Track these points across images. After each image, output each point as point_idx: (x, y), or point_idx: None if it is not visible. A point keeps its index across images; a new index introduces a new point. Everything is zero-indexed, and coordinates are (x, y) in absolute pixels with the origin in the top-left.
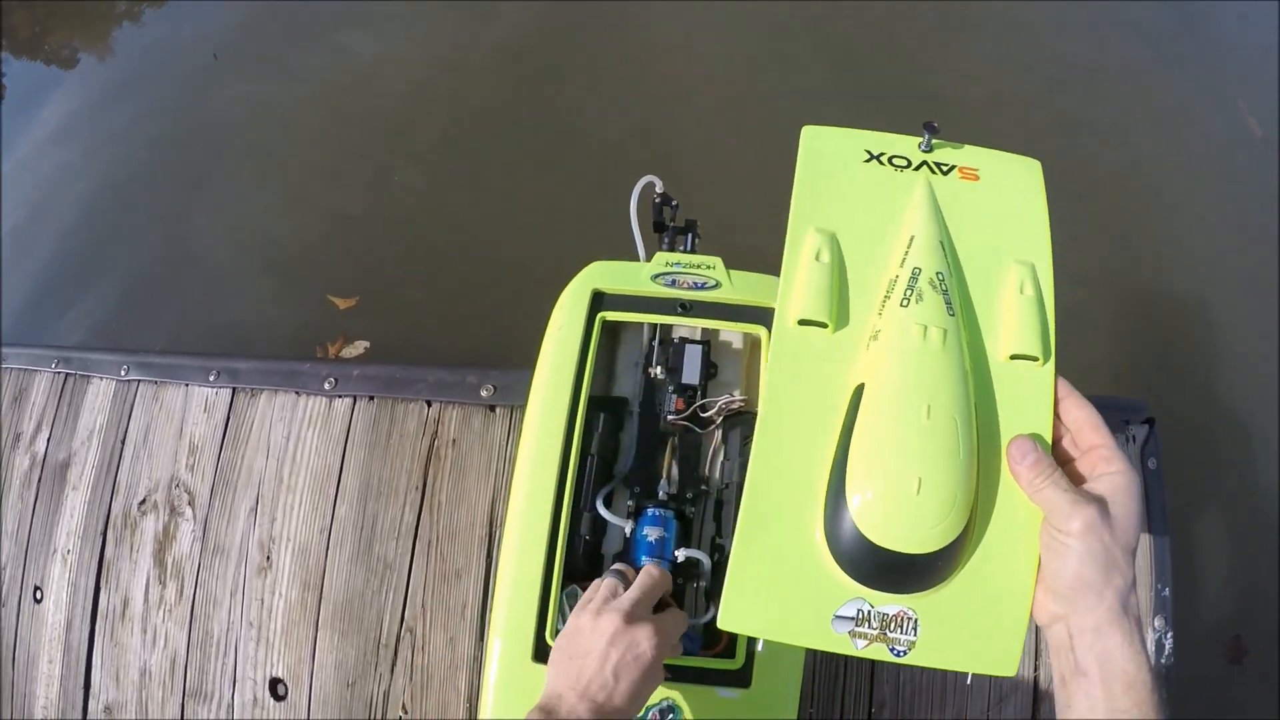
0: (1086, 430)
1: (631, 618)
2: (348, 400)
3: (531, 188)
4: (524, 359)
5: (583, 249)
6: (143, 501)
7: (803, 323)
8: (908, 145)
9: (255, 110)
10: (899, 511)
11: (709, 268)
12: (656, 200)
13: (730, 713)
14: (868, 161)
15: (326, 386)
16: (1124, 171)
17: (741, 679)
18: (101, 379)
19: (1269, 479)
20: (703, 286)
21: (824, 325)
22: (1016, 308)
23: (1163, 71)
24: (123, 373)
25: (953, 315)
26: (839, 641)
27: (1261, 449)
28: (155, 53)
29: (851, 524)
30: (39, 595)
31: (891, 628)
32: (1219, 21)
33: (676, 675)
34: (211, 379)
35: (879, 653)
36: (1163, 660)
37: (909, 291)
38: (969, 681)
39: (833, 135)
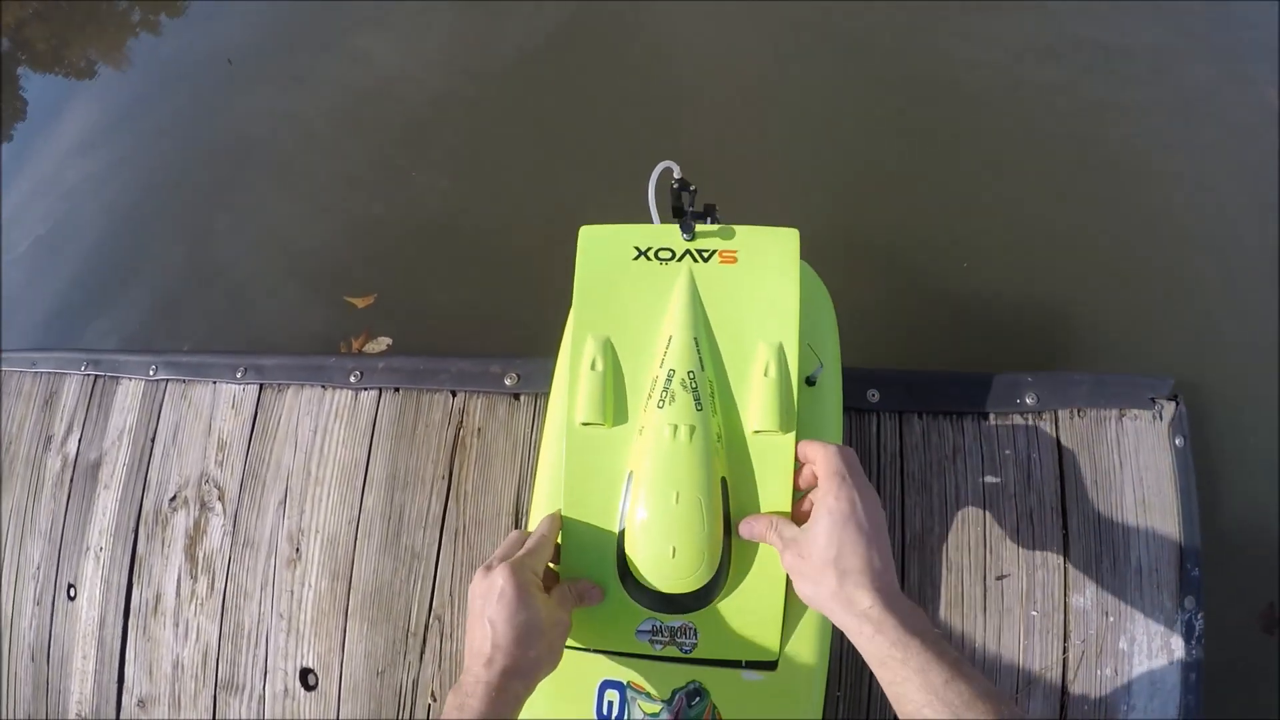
0: (819, 470)
1: (488, 568)
2: (373, 393)
3: (550, 186)
4: (546, 348)
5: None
6: (173, 498)
7: (585, 424)
8: (673, 236)
9: (275, 118)
10: (662, 570)
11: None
12: (674, 186)
13: (757, 694)
14: (636, 259)
15: (352, 380)
16: (1147, 153)
17: (768, 661)
18: (130, 379)
19: None
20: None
21: (601, 424)
22: (760, 389)
23: (1185, 53)
24: (151, 373)
25: (700, 410)
26: (642, 646)
27: None
28: (174, 62)
29: (635, 576)
30: (72, 593)
31: (678, 635)
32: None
33: (705, 659)
34: (239, 376)
35: (672, 651)
36: (1193, 642)
37: (664, 394)
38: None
39: (606, 235)
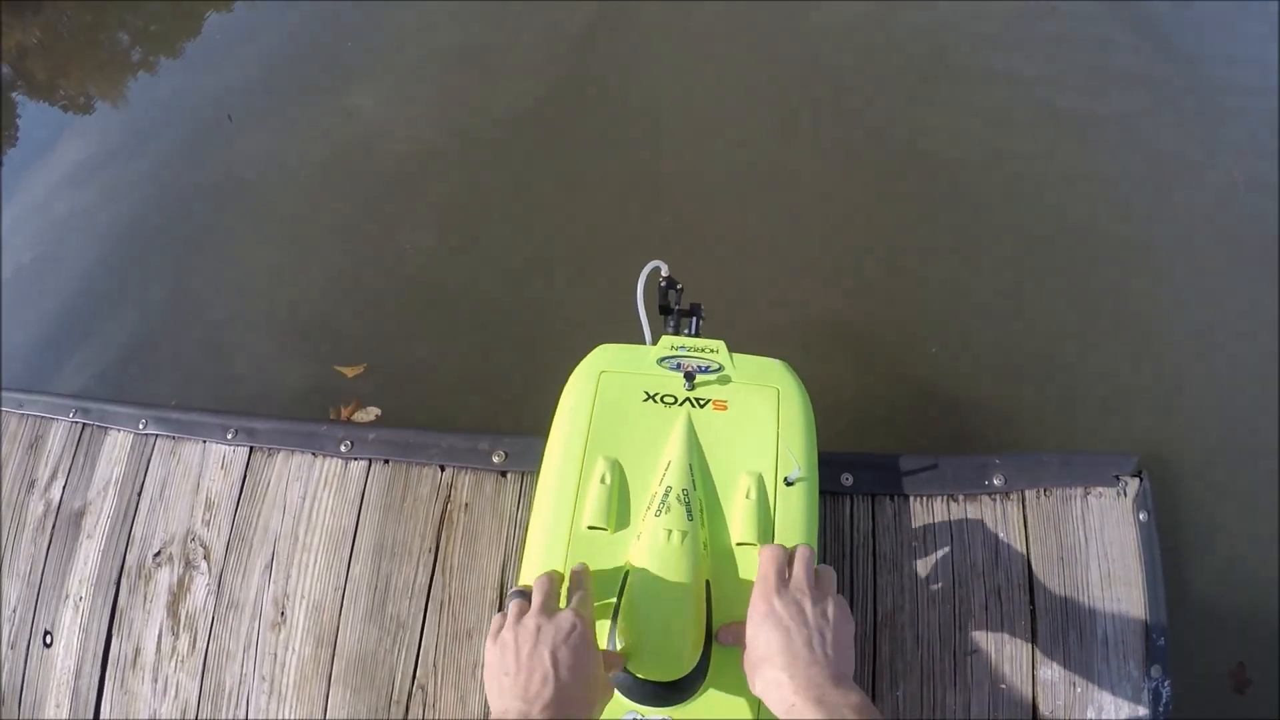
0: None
1: (546, 610)
2: (363, 463)
3: (536, 253)
4: (533, 425)
5: (589, 317)
6: (158, 554)
7: (591, 527)
8: (675, 384)
9: (264, 166)
10: (649, 655)
11: (713, 351)
12: (662, 284)
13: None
14: (645, 401)
15: (343, 449)
16: (1119, 220)
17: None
18: (120, 431)
19: (1269, 504)
20: (706, 370)
21: (605, 529)
22: (743, 509)
23: (1155, 119)
24: (141, 426)
25: (691, 520)
26: None
27: (1261, 480)
28: (170, 104)
29: (624, 672)
30: (49, 640)
31: None
32: (1209, 65)
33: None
34: (229, 437)
35: None
36: (1160, 708)
37: (662, 504)
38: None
39: (620, 379)
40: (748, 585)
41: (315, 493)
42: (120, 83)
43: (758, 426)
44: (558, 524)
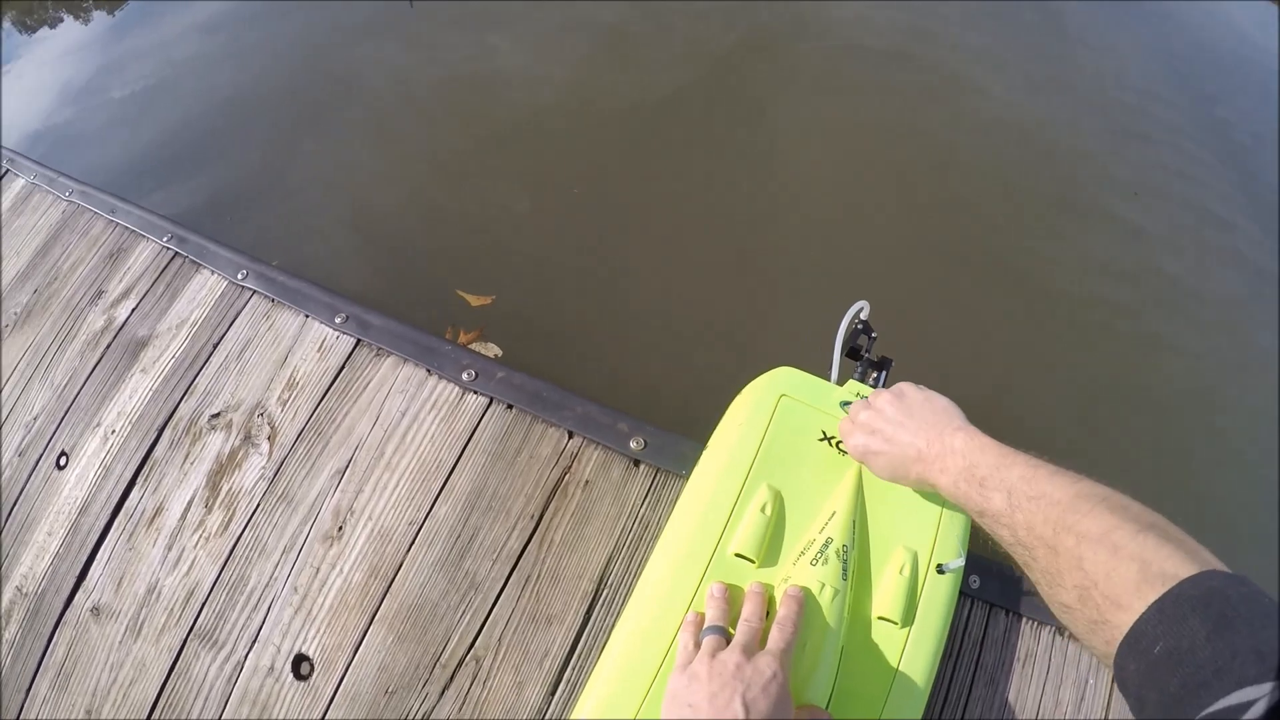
0: None
1: (747, 650)
2: (483, 400)
3: (641, 237)
4: (671, 421)
5: (720, 318)
6: (216, 415)
7: (738, 555)
8: None
9: (390, 78)
10: None
11: None
12: (858, 326)
13: None
14: (820, 441)
15: (464, 377)
16: (1189, 396)
17: None
18: (214, 273)
19: None
20: None
21: (752, 561)
22: (893, 583)
23: (1252, 311)
24: (239, 276)
25: (845, 579)
26: None
27: None
28: None
29: None
30: (63, 462)
31: None
32: None
33: None
34: (337, 321)
35: None
36: None
37: (820, 555)
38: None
39: (800, 410)
40: (876, 663)
41: (419, 413)
42: None
43: (922, 503)
44: (702, 539)
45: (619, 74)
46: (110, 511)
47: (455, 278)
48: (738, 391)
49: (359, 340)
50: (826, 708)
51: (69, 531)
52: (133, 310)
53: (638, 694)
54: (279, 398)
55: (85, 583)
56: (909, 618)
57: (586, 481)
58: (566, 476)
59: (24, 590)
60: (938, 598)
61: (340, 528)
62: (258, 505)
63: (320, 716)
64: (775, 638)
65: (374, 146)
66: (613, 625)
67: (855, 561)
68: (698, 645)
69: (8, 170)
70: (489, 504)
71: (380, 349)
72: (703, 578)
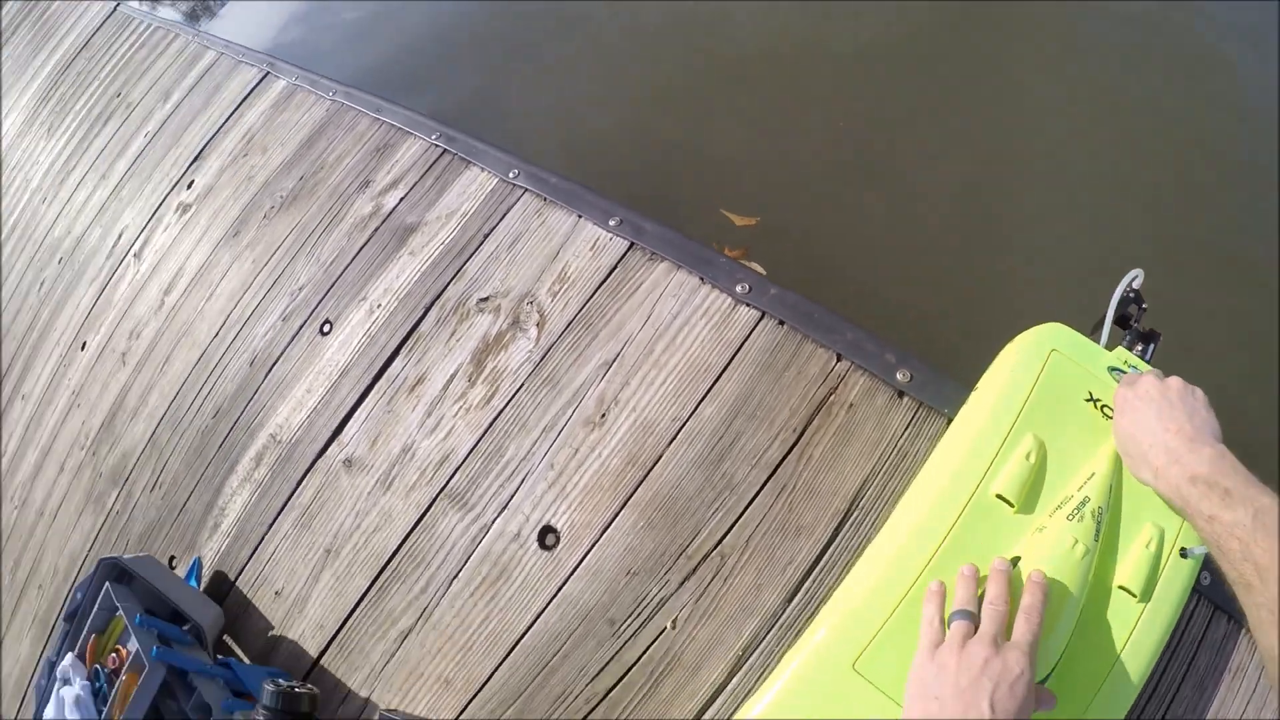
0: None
1: (996, 642)
2: (755, 313)
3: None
4: (937, 357)
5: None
6: (485, 299)
7: (999, 496)
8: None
9: (615, 10)
10: None
11: None
12: (1130, 294)
13: None
14: (1087, 401)
15: (738, 290)
16: None
17: None
18: (484, 171)
19: None
20: None
21: (1011, 505)
22: (1139, 555)
23: None
24: (511, 175)
25: (1096, 541)
26: None
27: None
28: None
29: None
30: (327, 329)
31: None
32: None
33: None
34: (611, 224)
35: None
36: None
37: (1077, 512)
38: None
39: (1070, 367)
40: (1106, 634)
41: (690, 317)
42: None
43: None
44: (964, 478)
45: (837, 20)
46: (372, 377)
47: (718, 198)
48: (994, 342)
49: (632, 243)
50: (1051, 673)
51: (329, 391)
52: (401, 199)
53: (880, 615)
54: (549, 289)
55: (340, 437)
56: (1148, 593)
57: (850, 404)
58: (832, 396)
59: (278, 438)
60: (1176, 581)
61: (603, 415)
62: (521, 385)
63: (559, 586)
64: (1022, 629)
65: (593, 74)
66: (858, 546)
67: (1107, 525)
68: (942, 622)
69: (268, 73)
70: (754, 411)
71: (654, 254)
72: (961, 513)
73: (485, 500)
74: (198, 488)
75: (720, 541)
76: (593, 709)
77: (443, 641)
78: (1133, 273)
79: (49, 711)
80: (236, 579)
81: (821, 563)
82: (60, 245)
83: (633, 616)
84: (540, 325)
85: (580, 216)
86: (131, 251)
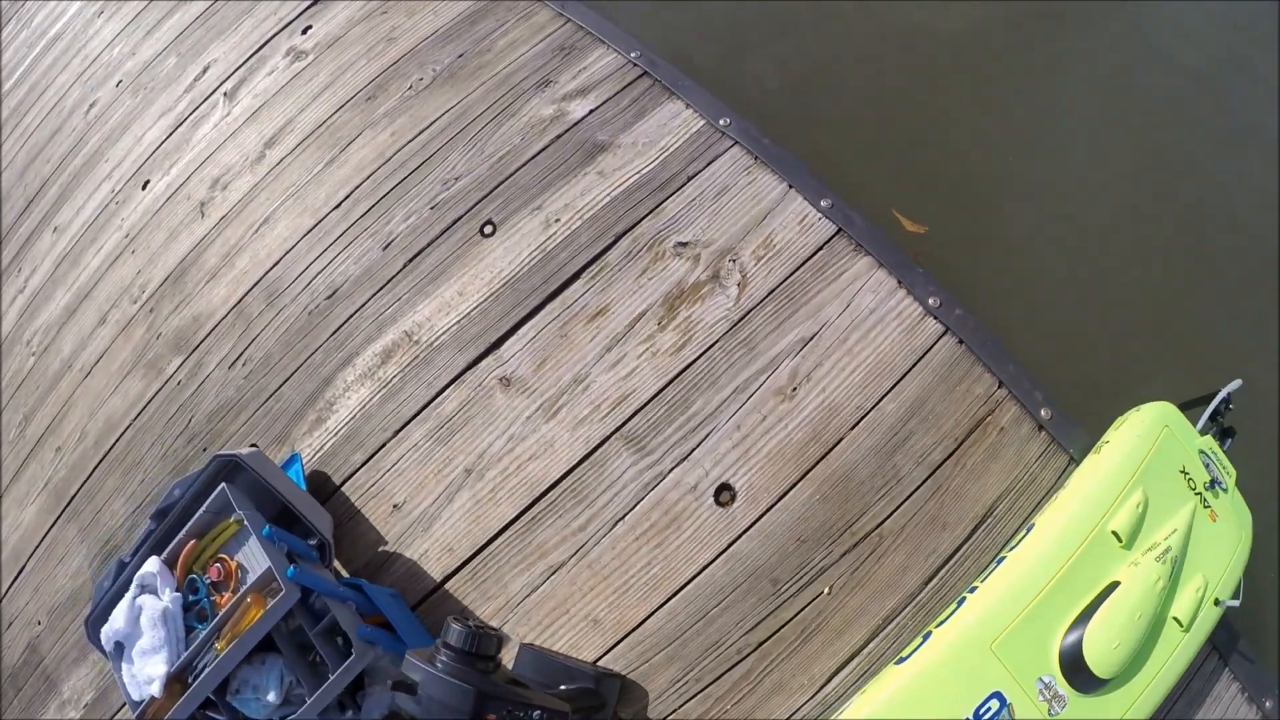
0: None
1: None
2: (939, 327)
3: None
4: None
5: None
6: (683, 244)
7: (1113, 532)
8: (1200, 477)
9: None
10: (1100, 652)
11: (1229, 474)
12: (1223, 397)
13: None
14: (1181, 473)
15: (930, 302)
16: None
17: None
18: (689, 109)
19: None
20: (1219, 485)
21: (1120, 540)
22: (1190, 596)
23: None
24: (722, 122)
25: (1170, 580)
26: (1030, 691)
27: None
28: None
29: (1078, 644)
30: (488, 230)
31: (1054, 700)
32: None
33: None
34: (823, 205)
35: (1042, 709)
36: None
37: (1163, 556)
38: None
39: (1174, 444)
40: (1153, 652)
41: (885, 315)
42: None
43: (1225, 550)
44: (1091, 513)
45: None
46: (546, 295)
47: (893, 199)
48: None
49: (840, 229)
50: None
51: (488, 298)
52: (591, 111)
53: (1019, 607)
54: (753, 252)
55: (498, 352)
56: (1189, 626)
57: (1002, 428)
58: (989, 417)
59: (415, 338)
60: (1208, 620)
61: (794, 389)
62: (716, 342)
63: (730, 542)
64: None
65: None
66: (988, 548)
67: (1173, 568)
68: None
69: None
70: (925, 415)
71: (860, 246)
72: (1086, 538)
73: (665, 448)
74: (297, 374)
75: (881, 524)
76: (743, 658)
77: (596, 581)
78: (1235, 382)
79: (117, 620)
80: (343, 484)
81: (956, 556)
82: (120, 65)
83: (796, 578)
84: (741, 286)
85: (791, 187)
86: (221, 90)
